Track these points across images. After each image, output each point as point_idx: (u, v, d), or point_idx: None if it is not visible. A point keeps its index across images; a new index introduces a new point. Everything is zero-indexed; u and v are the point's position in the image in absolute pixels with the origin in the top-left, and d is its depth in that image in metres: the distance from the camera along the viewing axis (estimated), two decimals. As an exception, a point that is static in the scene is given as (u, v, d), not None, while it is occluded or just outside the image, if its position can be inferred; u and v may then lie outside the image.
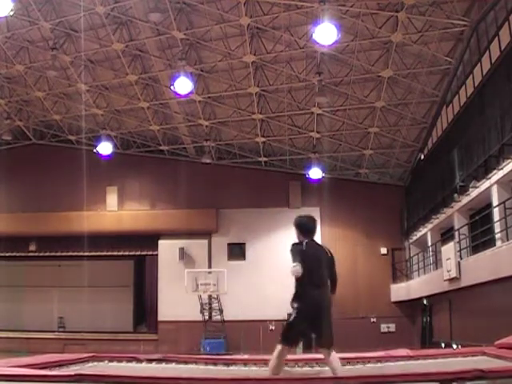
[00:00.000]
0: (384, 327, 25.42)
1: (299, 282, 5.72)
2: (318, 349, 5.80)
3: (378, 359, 6.54)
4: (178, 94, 20.89)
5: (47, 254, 27.94)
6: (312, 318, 5.54)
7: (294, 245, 5.93)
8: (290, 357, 6.69)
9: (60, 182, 27.03)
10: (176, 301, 25.44)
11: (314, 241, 6.04)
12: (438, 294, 19.42)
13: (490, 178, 15.08)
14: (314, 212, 26.55)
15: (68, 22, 19.41)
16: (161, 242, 27.30)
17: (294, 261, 5.69)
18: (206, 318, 25.20)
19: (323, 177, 25.61)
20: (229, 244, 27.10)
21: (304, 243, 5.91)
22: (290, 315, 5.72)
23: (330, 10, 15.89)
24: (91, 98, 23.68)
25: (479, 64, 16.64)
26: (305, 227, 6.02)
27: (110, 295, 28.14)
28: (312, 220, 6.23)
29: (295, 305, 5.58)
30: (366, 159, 25.49)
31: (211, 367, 6.22)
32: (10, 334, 25.48)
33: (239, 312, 25.23)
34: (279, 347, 5.77)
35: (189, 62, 19.90)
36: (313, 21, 17.03)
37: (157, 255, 27.35)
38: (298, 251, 5.80)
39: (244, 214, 26.91)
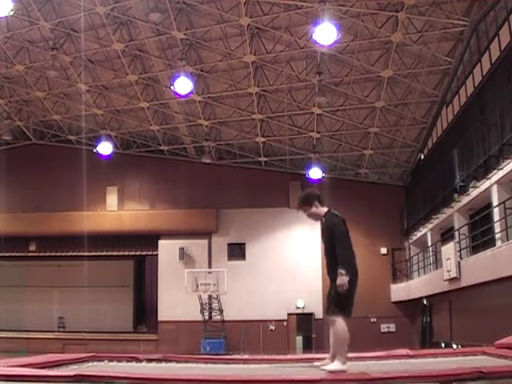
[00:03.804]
0: (384, 327, 25.43)
1: (345, 248, 5.32)
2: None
3: (378, 359, 6.52)
4: (178, 94, 20.90)
5: (47, 254, 27.96)
6: (354, 287, 5.31)
7: (332, 214, 5.53)
8: (290, 356, 6.69)
9: (60, 182, 27.06)
10: (176, 301, 25.46)
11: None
12: (438, 293, 19.42)
13: (490, 178, 15.08)
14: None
15: (68, 22, 19.43)
16: (161, 242, 27.31)
17: (339, 231, 5.35)
18: (206, 317, 25.20)
19: (323, 177, 25.60)
20: (229, 244, 27.11)
21: (336, 212, 5.58)
22: (335, 284, 5.20)
23: (330, 10, 15.90)
24: (91, 98, 23.69)
25: (479, 64, 16.64)
26: (320, 196, 5.65)
27: (110, 295, 28.16)
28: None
29: (345, 272, 5.14)
30: (365, 159, 25.50)
31: (211, 367, 6.22)
32: (10, 334, 25.51)
33: (239, 312, 25.25)
34: (339, 319, 5.23)
35: (189, 62, 19.91)
36: (313, 21, 17.05)
37: (157, 255, 27.37)
38: (339, 221, 5.45)
39: (244, 214, 26.91)
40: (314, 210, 5.61)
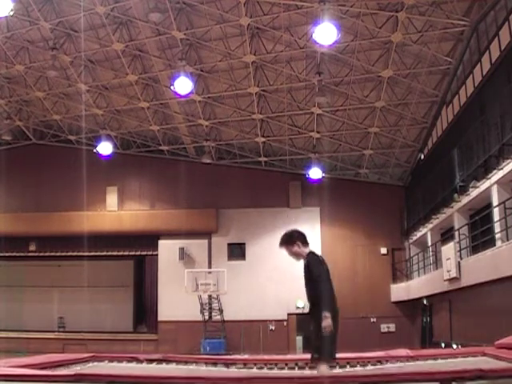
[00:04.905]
0: (384, 327, 25.42)
1: (325, 290, 5.30)
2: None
3: (378, 359, 6.53)
4: (178, 94, 20.89)
5: (47, 254, 27.95)
6: (336, 327, 5.30)
7: (313, 255, 5.57)
8: (289, 357, 6.69)
9: (60, 182, 27.07)
10: (176, 301, 25.45)
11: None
12: (438, 293, 19.42)
13: (490, 178, 15.08)
14: (314, 212, 26.64)
15: (68, 22, 19.43)
16: (161, 242, 27.31)
17: (318, 273, 5.36)
18: (206, 317, 25.19)
19: (323, 177, 25.61)
20: (229, 244, 27.10)
21: (317, 254, 5.64)
22: (318, 329, 5.20)
23: (330, 10, 15.89)
24: (91, 98, 23.69)
25: (479, 64, 16.64)
26: (304, 236, 5.69)
27: (110, 295, 28.16)
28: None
29: (329, 314, 5.13)
30: (365, 159, 25.49)
31: (211, 367, 6.22)
32: (10, 334, 25.50)
33: (239, 312, 25.24)
34: (323, 367, 5.20)
35: (189, 62, 19.91)
36: (313, 21, 17.04)
37: (157, 255, 27.36)
38: (319, 262, 5.48)
39: (244, 214, 26.91)
40: (295, 249, 5.59)
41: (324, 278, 5.36)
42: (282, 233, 5.72)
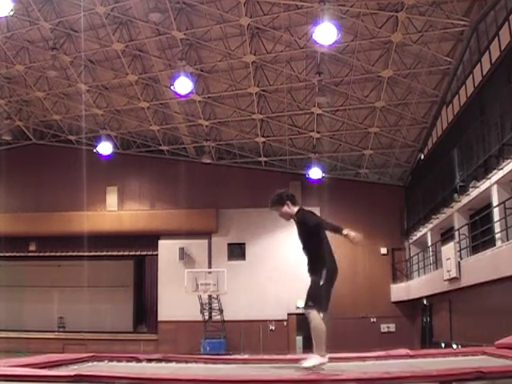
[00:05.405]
0: (384, 327, 25.42)
1: (320, 244, 5.36)
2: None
3: (378, 359, 6.52)
4: (178, 94, 20.91)
5: (47, 254, 27.96)
6: (333, 281, 5.34)
7: (303, 210, 5.61)
8: (289, 357, 6.68)
9: (60, 182, 27.07)
10: (176, 301, 25.45)
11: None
12: (438, 293, 19.43)
13: (490, 178, 15.09)
14: (314, 212, 26.59)
15: (68, 22, 19.44)
16: (161, 242, 27.31)
17: (314, 221, 5.41)
18: (206, 317, 25.19)
19: (323, 177, 25.61)
20: (229, 244, 27.10)
21: (308, 209, 5.69)
22: (315, 279, 5.27)
23: (330, 10, 15.91)
24: (91, 98, 23.69)
25: (479, 64, 16.65)
26: (293, 196, 5.70)
27: (110, 295, 28.15)
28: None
29: (322, 266, 5.21)
30: (365, 159, 25.49)
31: (211, 367, 6.22)
32: (10, 334, 25.49)
33: (239, 312, 25.24)
34: (315, 313, 5.18)
35: (189, 62, 19.92)
36: (313, 21, 17.05)
37: (157, 255, 27.37)
38: (312, 213, 5.54)
39: (244, 214, 26.90)
40: (285, 209, 5.62)
41: (321, 219, 5.49)
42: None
